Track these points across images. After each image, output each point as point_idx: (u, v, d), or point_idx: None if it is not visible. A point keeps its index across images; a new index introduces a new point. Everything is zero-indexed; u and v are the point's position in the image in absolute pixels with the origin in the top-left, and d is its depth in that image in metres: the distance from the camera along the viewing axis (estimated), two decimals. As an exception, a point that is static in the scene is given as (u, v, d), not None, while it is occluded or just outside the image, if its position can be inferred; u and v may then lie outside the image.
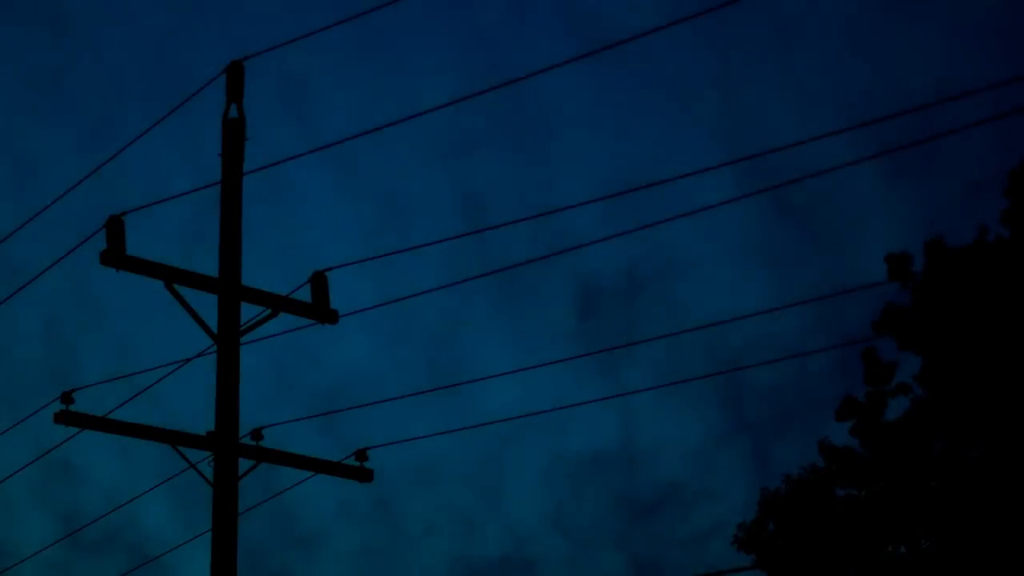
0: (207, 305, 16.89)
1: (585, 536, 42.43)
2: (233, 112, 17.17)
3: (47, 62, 52.38)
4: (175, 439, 17.28)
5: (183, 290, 16.77)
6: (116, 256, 16.38)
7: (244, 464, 17.16)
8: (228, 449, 16.44)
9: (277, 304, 17.22)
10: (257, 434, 17.64)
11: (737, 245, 42.81)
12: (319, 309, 17.51)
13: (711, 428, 44.05)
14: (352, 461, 18.30)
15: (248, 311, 17.13)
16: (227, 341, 16.68)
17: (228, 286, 16.83)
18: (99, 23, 53.03)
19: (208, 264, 17.05)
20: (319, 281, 17.55)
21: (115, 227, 16.46)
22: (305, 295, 17.54)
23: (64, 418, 17.13)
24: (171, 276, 16.68)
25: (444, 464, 43.88)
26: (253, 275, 17.19)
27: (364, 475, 18.25)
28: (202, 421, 17.12)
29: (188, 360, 17.79)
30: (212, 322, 16.81)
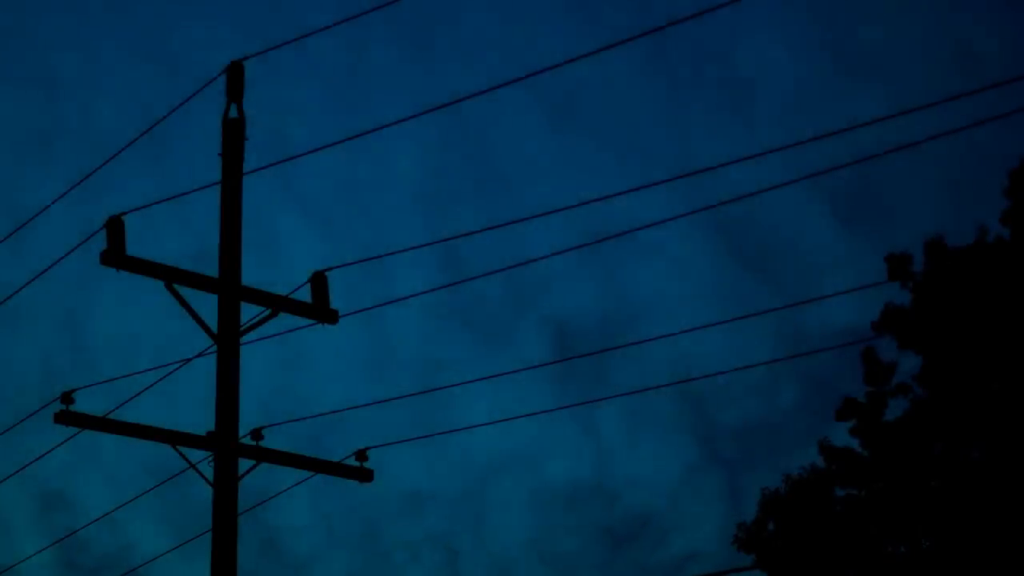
0: (207, 305, 16.91)
1: (564, 564, 43.80)
2: (233, 112, 17.17)
3: (39, 120, 53.84)
4: (175, 439, 17.27)
5: (183, 290, 16.77)
6: (116, 256, 16.38)
7: (244, 464, 17.17)
8: (228, 449, 16.44)
9: (277, 304, 17.21)
10: (257, 434, 17.62)
11: (702, 294, 46.08)
12: (319, 309, 17.49)
13: (683, 463, 46.01)
14: (352, 461, 18.30)
15: (248, 311, 17.15)
16: (227, 341, 16.68)
17: (228, 286, 16.83)
18: (89, 83, 54.68)
19: (209, 264, 17.08)
20: (319, 281, 17.53)
21: (115, 227, 16.46)
22: (305, 295, 17.54)
23: (64, 418, 17.11)
24: (171, 276, 16.67)
25: (428, 494, 45.23)
26: (253, 275, 17.22)
27: (364, 475, 18.24)
28: (202, 421, 17.12)
29: (188, 360, 17.79)
30: (212, 322, 16.81)
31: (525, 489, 45.56)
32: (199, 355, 17.48)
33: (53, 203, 19.14)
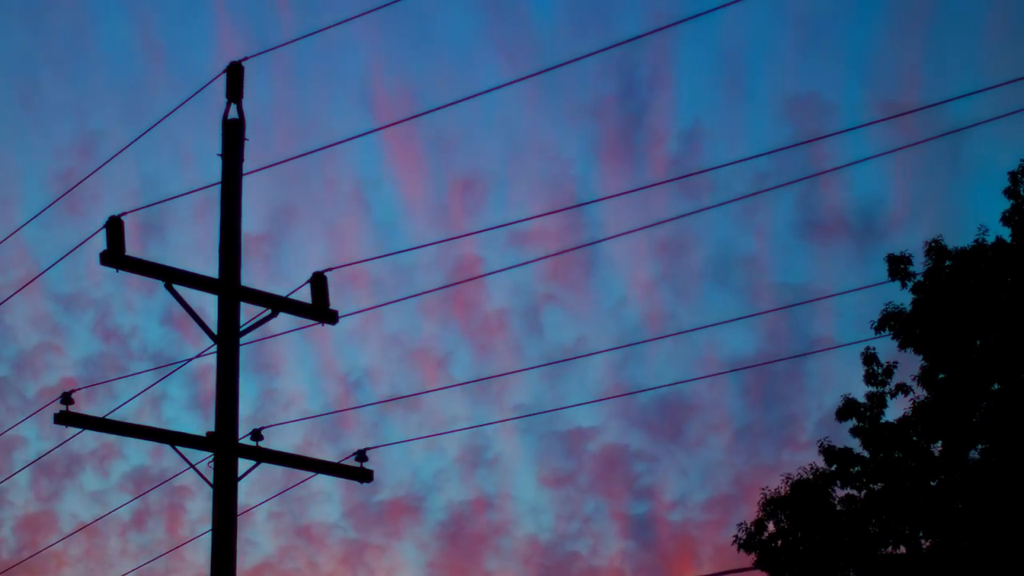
0: (207, 305, 16.92)
1: None
2: (233, 112, 17.18)
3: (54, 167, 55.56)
4: (175, 439, 17.27)
5: (183, 290, 16.77)
6: (116, 257, 16.38)
7: (245, 464, 17.17)
8: (228, 449, 16.43)
9: (277, 304, 17.21)
10: (257, 434, 17.62)
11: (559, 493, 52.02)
12: (319, 309, 17.50)
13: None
14: (352, 462, 18.30)
15: (249, 311, 17.14)
16: (227, 341, 16.67)
17: (228, 286, 16.83)
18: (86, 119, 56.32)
19: (208, 265, 17.08)
20: (319, 282, 17.54)
21: (115, 228, 16.46)
22: (305, 296, 17.53)
23: (64, 419, 17.11)
24: (171, 276, 16.67)
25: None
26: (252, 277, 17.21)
27: (364, 475, 18.24)
28: (201, 422, 17.12)
29: (188, 360, 17.79)
30: (212, 322, 16.81)
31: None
32: (199, 355, 17.50)
33: (52, 204, 19.14)
